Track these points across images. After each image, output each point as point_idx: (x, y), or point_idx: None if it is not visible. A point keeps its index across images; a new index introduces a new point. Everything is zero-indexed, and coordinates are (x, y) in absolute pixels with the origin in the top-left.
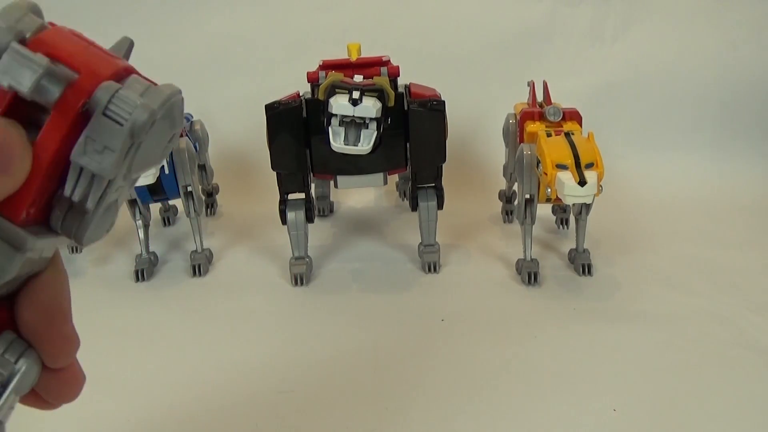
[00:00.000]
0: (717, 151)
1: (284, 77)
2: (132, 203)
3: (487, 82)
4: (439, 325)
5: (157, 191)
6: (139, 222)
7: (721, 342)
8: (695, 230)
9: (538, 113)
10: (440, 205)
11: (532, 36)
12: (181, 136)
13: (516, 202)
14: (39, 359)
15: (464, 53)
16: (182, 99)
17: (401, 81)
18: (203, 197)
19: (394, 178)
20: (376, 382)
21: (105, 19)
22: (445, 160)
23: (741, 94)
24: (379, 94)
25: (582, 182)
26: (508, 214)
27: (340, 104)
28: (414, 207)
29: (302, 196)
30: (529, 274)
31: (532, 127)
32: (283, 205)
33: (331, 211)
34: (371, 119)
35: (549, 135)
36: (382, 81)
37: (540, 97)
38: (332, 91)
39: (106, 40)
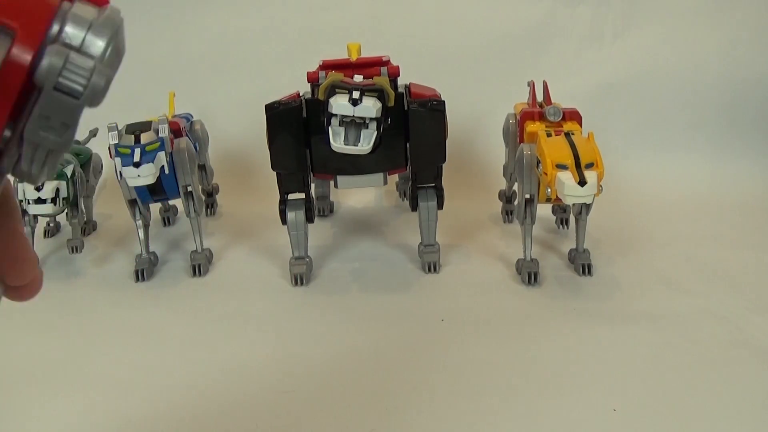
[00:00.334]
0: (717, 151)
1: (284, 77)
2: (132, 203)
3: (487, 82)
4: (439, 325)
5: (157, 191)
6: (139, 222)
7: (721, 342)
8: (695, 230)
9: (538, 113)
10: (440, 205)
11: (532, 36)
12: (181, 136)
13: (516, 202)
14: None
15: (464, 53)
16: (123, 19)
17: (401, 81)
18: (203, 197)
19: (394, 178)
20: (376, 382)
21: None
22: (445, 160)
23: (741, 94)
24: (379, 94)
25: (582, 182)
26: (508, 214)
27: (340, 104)
28: (414, 207)
29: (302, 196)
30: (529, 274)
31: (532, 127)
32: (283, 205)
33: (331, 211)
34: (371, 119)
35: (549, 135)
36: (382, 81)
37: (540, 97)
38: (332, 91)
39: None
